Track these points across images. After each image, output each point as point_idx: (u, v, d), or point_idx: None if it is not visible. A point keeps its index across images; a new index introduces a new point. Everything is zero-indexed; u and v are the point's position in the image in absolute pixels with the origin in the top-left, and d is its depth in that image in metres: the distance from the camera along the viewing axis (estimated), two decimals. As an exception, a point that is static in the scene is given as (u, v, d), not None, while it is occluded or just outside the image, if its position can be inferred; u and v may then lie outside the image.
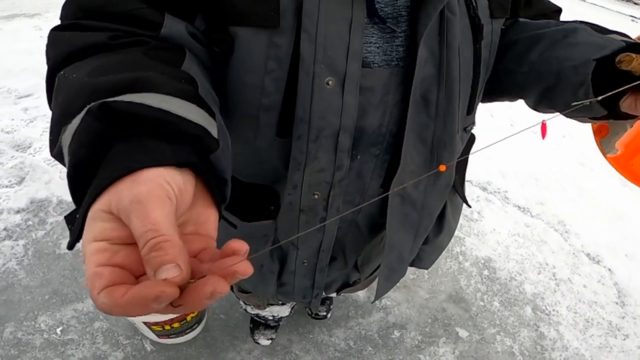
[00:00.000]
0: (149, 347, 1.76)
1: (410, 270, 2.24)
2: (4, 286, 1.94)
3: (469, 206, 1.05)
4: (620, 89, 0.59)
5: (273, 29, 0.58)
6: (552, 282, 2.30)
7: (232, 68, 0.62)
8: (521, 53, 0.76)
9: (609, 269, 2.44)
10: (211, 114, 0.44)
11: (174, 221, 0.31)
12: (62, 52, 0.50)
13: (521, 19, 0.81)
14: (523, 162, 3.29)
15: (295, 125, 0.65)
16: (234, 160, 0.68)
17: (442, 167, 0.46)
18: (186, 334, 1.73)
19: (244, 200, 0.82)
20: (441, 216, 0.96)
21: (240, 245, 0.34)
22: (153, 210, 0.30)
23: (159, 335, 1.68)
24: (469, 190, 2.91)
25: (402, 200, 0.80)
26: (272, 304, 1.44)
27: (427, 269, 1.13)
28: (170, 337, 1.71)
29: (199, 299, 0.30)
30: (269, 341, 1.82)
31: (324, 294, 1.44)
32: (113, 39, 0.50)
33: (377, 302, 2.07)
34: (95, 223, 0.31)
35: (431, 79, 0.67)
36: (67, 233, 2.02)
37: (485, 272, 2.30)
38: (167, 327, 1.60)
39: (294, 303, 1.56)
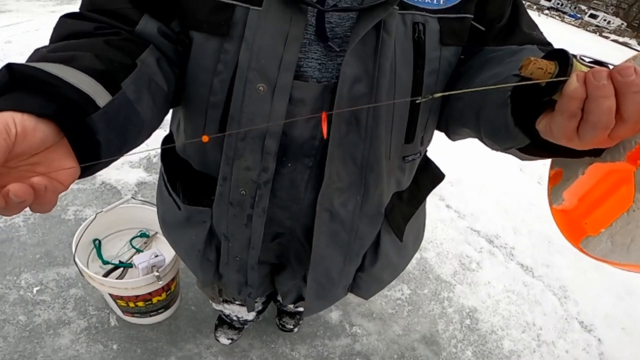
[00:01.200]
0: (113, 322, 1.84)
1: (390, 304, 2.25)
2: (4, 239, 2.08)
3: (401, 241, 0.99)
4: (491, 87, 0.53)
5: (224, 37, 0.66)
6: (533, 343, 2.23)
7: (190, 66, 0.72)
8: (467, 78, 0.72)
9: (599, 339, 2.34)
10: (113, 90, 0.53)
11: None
12: (58, 34, 0.61)
13: (488, 47, 0.75)
14: (541, 221, 3.20)
15: (229, 123, 0.71)
16: (189, 146, 0.87)
17: (205, 138, 0.50)
18: (151, 316, 1.79)
19: (192, 186, 0.91)
20: (376, 245, 0.97)
21: (37, 180, 0.43)
22: None
23: (123, 312, 1.75)
24: (474, 240, 2.87)
25: (330, 216, 0.83)
26: (227, 301, 1.47)
27: (366, 299, 1.14)
28: (134, 316, 1.77)
29: None
30: (229, 341, 1.85)
31: (284, 305, 1.47)
32: (97, 29, 0.61)
33: (347, 327, 2.07)
34: None
35: (363, 99, 0.69)
36: (77, 200, 2.16)
37: (467, 322, 2.26)
38: (132, 305, 1.65)
39: (259, 308, 1.59)
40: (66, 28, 0.62)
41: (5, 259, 2.00)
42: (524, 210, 3.29)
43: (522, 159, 0.65)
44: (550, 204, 0.67)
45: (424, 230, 1.15)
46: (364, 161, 0.76)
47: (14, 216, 2.21)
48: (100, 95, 0.51)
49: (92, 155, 0.50)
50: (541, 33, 0.78)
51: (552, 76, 0.46)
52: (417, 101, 0.68)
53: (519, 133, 0.56)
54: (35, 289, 1.90)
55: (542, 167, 3.82)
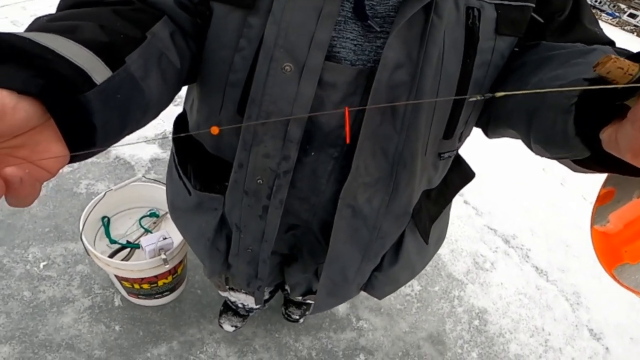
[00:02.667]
0: (117, 302, 1.85)
1: (399, 299, 2.23)
2: (14, 211, 2.09)
3: (427, 243, 0.95)
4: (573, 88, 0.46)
5: (248, 9, 0.61)
6: (540, 348, 2.20)
7: (208, 41, 0.66)
8: (523, 76, 0.63)
9: (607, 348, 2.31)
10: (116, 65, 0.48)
11: None
12: (64, 3, 0.58)
13: (545, 42, 0.68)
14: (561, 225, 3.15)
15: (248, 104, 0.66)
16: (203, 127, 0.79)
17: (214, 130, 0.47)
18: (155, 298, 1.80)
19: (204, 170, 0.86)
20: (398, 246, 0.91)
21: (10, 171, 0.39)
22: None
23: (128, 293, 1.76)
24: (490, 239, 2.83)
25: (353, 212, 0.78)
26: (234, 289, 1.47)
27: (379, 299, 1.09)
28: (139, 298, 1.78)
29: None
30: (233, 328, 1.86)
31: (291, 296, 1.46)
32: None
33: (353, 320, 2.07)
34: None
35: (403, 87, 0.63)
36: (90, 174, 2.17)
37: (476, 322, 2.24)
38: (137, 286, 1.66)
39: (266, 297, 1.58)
40: None
41: (15, 231, 2.02)
42: (544, 211, 3.23)
43: (575, 170, 0.60)
44: (592, 223, 0.64)
45: (446, 231, 1.11)
46: (397, 156, 0.70)
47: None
48: (99, 71, 0.46)
49: (85, 139, 0.45)
50: (602, 30, 0.70)
51: (633, 79, 0.40)
52: (471, 99, 0.61)
53: (579, 144, 0.49)
54: (42, 264, 1.92)
55: (566, 169, 3.73)
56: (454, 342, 2.11)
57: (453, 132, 0.73)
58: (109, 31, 0.50)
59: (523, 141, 0.66)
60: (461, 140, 0.81)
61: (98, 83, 0.45)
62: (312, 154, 0.73)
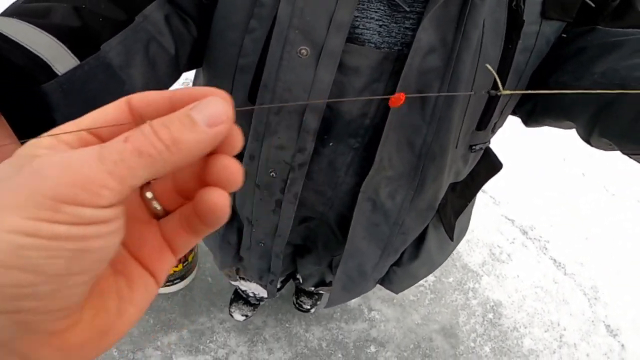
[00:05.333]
0: None
1: (412, 290, 2.24)
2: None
3: (452, 239, 0.93)
4: None
5: None
6: (555, 343, 2.22)
7: (216, 22, 0.62)
8: (584, 63, 0.59)
9: (622, 345, 2.31)
10: (84, 53, 0.45)
11: None
12: None
13: (601, 27, 0.63)
14: (581, 217, 3.12)
15: (260, 91, 0.62)
16: None
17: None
18: (166, 286, 1.83)
19: None
20: (419, 241, 0.90)
21: None
22: None
23: (139, 280, 1.78)
24: (507, 230, 2.82)
25: (373, 206, 0.75)
26: (244, 279, 1.48)
27: (396, 293, 1.09)
28: None
29: None
30: (243, 317, 1.89)
31: (303, 286, 1.47)
32: None
33: (365, 311, 2.08)
34: None
35: (435, 73, 0.59)
36: None
37: (490, 315, 2.25)
38: None
39: (278, 286, 1.58)
40: None
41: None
42: (564, 203, 3.20)
43: None
44: None
45: (468, 225, 1.10)
46: (425, 149, 0.66)
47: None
48: (61, 60, 0.42)
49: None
50: None
51: None
52: (498, 93, 0.57)
53: None
54: None
55: (587, 158, 3.68)
56: (467, 336, 2.13)
57: (487, 123, 0.69)
58: (85, 14, 0.46)
59: (579, 133, 0.63)
60: (494, 131, 0.77)
61: (59, 73, 0.42)
62: (331, 144, 0.70)
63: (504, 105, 0.69)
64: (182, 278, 1.85)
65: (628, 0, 0.62)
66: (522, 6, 0.57)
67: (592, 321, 2.40)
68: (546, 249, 2.78)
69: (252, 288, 1.59)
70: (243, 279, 1.49)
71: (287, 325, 1.96)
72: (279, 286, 1.56)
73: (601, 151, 0.64)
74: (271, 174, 0.72)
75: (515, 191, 3.16)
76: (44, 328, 0.20)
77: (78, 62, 0.44)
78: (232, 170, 0.24)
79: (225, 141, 0.24)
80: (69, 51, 0.43)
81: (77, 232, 0.19)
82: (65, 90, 0.42)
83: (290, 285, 1.99)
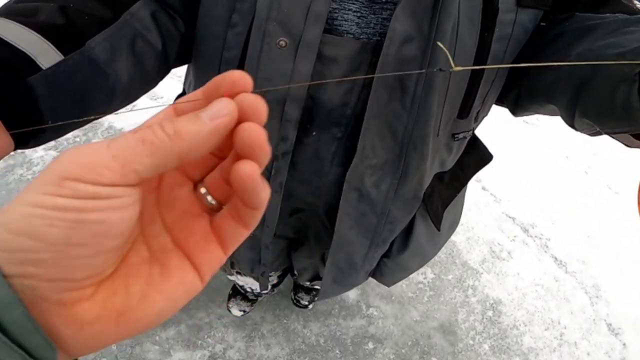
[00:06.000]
0: None
1: (411, 287, 2.25)
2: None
3: (438, 230, 0.94)
4: None
5: None
6: (555, 342, 2.22)
7: (200, 17, 0.64)
8: (562, 47, 0.60)
9: (624, 344, 2.32)
10: (68, 49, 0.47)
11: None
12: None
13: (579, 14, 0.64)
14: (583, 215, 3.11)
15: None
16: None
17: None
18: (164, 281, 1.83)
19: None
20: (408, 232, 0.91)
21: None
22: None
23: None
24: (508, 227, 2.82)
25: (359, 196, 0.77)
26: (240, 273, 1.48)
27: (388, 286, 1.10)
28: None
29: None
30: (241, 313, 1.90)
31: (299, 281, 1.47)
32: None
33: (363, 308, 2.09)
34: None
35: (413, 62, 0.61)
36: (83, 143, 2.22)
37: (489, 313, 2.25)
38: None
39: (274, 282, 1.59)
40: None
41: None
42: (566, 200, 3.20)
43: (631, 146, 0.58)
44: None
45: (460, 217, 1.10)
46: (407, 136, 0.67)
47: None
48: (46, 55, 0.45)
49: (30, 126, 0.44)
50: (635, 4, 0.66)
51: None
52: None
53: None
54: None
55: (591, 156, 3.67)
56: (466, 333, 2.14)
57: (469, 112, 0.70)
58: (71, 12, 0.49)
59: (563, 116, 0.63)
60: (477, 120, 0.78)
61: (44, 68, 0.44)
62: (314, 133, 0.72)
63: (485, 93, 0.70)
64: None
65: None
66: None
67: (594, 320, 2.40)
68: (547, 247, 2.78)
69: (249, 283, 1.60)
70: (239, 273, 1.50)
71: (285, 321, 1.97)
72: (275, 281, 1.58)
73: (605, 150, 0.64)
74: None
75: (517, 189, 3.16)
76: (50, 297, 0.22)
77: (61, 56, 0.46)
78: (253, 133, 0.25)
79: (248, 112, 0.25)
80: (54, 47, 0.46)
81: (75, 204, 0.21)
82: (50, 83, 0.45)
83: (288, 280, 2.01)
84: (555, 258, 2.73)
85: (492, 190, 3.08)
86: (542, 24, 0.66)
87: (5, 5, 0.49)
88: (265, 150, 0.25)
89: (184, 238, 0.28)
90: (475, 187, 3.10)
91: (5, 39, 0.42)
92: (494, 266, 2.54)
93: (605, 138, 0.59)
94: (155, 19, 0.58)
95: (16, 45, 0.43)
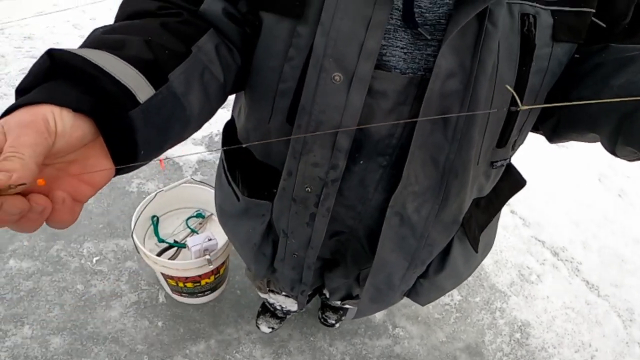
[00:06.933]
0: (161, 298, 2.03)
1: (437, 308, 2.28)
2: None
3: (476, 252, 0.98)
4: None
5: (297, 19, 0.63)
6: (585, 365, 2.19)
7: (258, 51, 0.70)
8: (603, 78, 0.63)
9: (658, 368, 2.27)
10: (159, 82, 0.52)
11: (38, 148, 0.39)
12: (122, 12, 0.63)
13: (614, 45, 0.67)
14: (615, 238, 3.07)
15: (298, 113, 0.69)
16: (252, 135, 0.84)
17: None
18: (197, 297, 1.95)
19: (254, 177, 0.92)
20: (445, 254, 0.94)
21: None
22: (25, 135, 0.38)
23: (172, 290, 1.92)
24: (537, 251, 2.82)
25: (400, 220, 0.80)
26: (274, 291, 1.58)
27: (422, 305, 1.13)
28: (182, 295, 1.94)
29: None
30: (270, 330, 1.98)
31: (330, 300, 1.53)
32: (160, 9, 0.61)
33: (389, 328, 2.14)
34: None
35: (455, 95, 0.64)
36: (142, 173, 2.40)
37: (517, 335, 2.26)
38: (181, 285, 1.83)
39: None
40: (130, 5, 0.62)
41: (72, 226, 2.21)
42: (598, 224, 3.17)
43: None
44: None
45: (494, 239, 1.14)
46: (448, 165, 0.71)
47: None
48: (142, 90, 0.49)
49: (128, 155, 0.49)
50: None
51: None
52: (518, 109, 0.56)
53: None
54: (95, 259, 2.14)
55: (625, 179, 3.63)
56: (493, 355, 2.15)
57: (507, 141, 0.75)
58: (154, 47, 0.53)
59: (604, 144, 0.66)
60: (515, 148, 0.82)
61: (141, 102, 0.48)
62: (361, 162, 0.76)
63: (522, 123, 0.75)
64: (212, 290, 1.96)
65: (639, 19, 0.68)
66: (534, 31, 0.63)
67: (627, 343, 2.37)
68: (578, 270, 2.76)
69: (280, 301, 1.68)
70: (272, 291, 1.58)
71: (311, 338, 2.04)
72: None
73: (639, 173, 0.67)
74: (306, 189, 0.79)
75: (547, 213, 3.15)
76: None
77: (154, 91, 0.51)
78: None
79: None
80: (147, 81, 0.50)
81: None
82: (145, 116, 0.49)
83: (316, 300, 2.07)
84: (587, 282, 2.70)
85: (521, 214, 3.08)
86: (576, 55, 0.69)
87: (94, 35, 0.54)
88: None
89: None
90: (504, 211, 3.03)
91: (112, 74, 0.46)
92: (523, 289, 2.54)
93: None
94: (218, 51, 0.63)
95: (120, 80, 0.46)
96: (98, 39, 0.52)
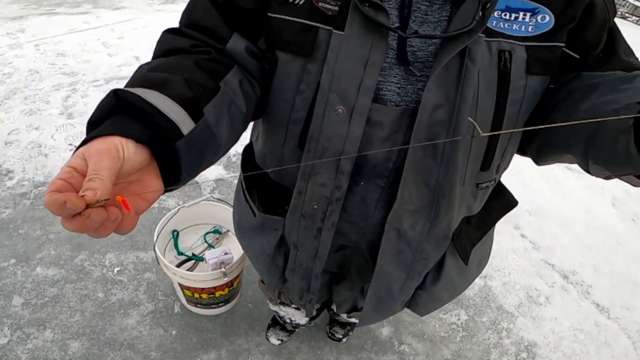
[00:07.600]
0: (177, 308, 2.14)
1: (443, 327, 2.33)
2: (98, 220, 2.46)
3: (466, 264, 1.06)
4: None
5: (307, 57, 0.74)
6: (592, 385, 2.21)
7: (274, 84, 0.81)
8: (573, 103, 0.72)
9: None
10: (196, 116, 0.62)
11: (112, 170, 0.48)
12: (160, 48, 0.74)
13: (585, 72, 0.77)
14: (627, 262, 3.10)
15: (308, 140, 0.79)
16: (268, 158, 0.95)
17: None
18: (211, 308, 2.05)
19: (268, 195, 1.03)
20: (440, 266, 1.02)
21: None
22: (103, 161, 0.48)
23: (187, 301, 2.03)
24: (546, 274, 2.86)
25: (398, 235, 0.89)
26: (284, 303, 1.68)
27: (421, 315, 1.22)
28: (196, 306, 2.05)
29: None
30: (279, 342, 2.07)
31: (338, 314, 1.61)
32: (192, 47, 0.72)
33: (395, 344, 2.20)
34: (74, 159, 0.50)
35: (442, 125, 0.73)
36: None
37: (524, 355, 2.30)
38: (196, 295, 1.95)
39: (313, 314, 1.71)
40: (167, 43, 0.74)
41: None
42: (610, 248, 3.20)
43: (637, 185, 0.69)
44: None
45: (489, 255, 1.22)
46: (438, 186, 0.80)
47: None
48: (185, 124, 0.58)
49: (174, 177, 0.59)
50: (637, 59, 0.79)
51: None
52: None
53: None
54: (116, 269, 2.27)
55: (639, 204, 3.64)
56: (497, 373, 2.17)
57: (490, 164, 0.84)
58: (192, 85, 0.63)
59: (579, 163, 0.74)
60: (499, 171, 0.92)
61: (185, 134, 0.58)
62: (362, 183, 0.86)
63: (503, 149, 0.84)
64: (226, 302, 2.06)
65: (612, 47, 0.77)
66: (509, 66, 0.72)
67: (636, 364, 2.38)
68: (588, 293, 2.79)
69: (290, 314, 1.77)
70: (283, 303, 1.69)
71: (319, 352, 2.12)
72: (314, 314, 1.73)
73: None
74: (314, 206, 0.89)
75: (558, 237, 3.19)
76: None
77: (194, 124, 0.60)
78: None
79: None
80: (189, 116, 0.60)
81: None
82: (188, 146, 0.59)
83: (325, 315, 2.15)
84: (597, 304, 2.73)
85: (530, 238, 3.13)
86: (551, 86, 0.79)
87: (141, 72, 0.64)
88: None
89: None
90: (514, 235, 3.16)
91: (164, 112, 0.56)
92: (531, 310, 2.59)
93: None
94: (241, 85, 0.73)
95: (169, 117, 0.56)
96: (145, 77, 0.62)
